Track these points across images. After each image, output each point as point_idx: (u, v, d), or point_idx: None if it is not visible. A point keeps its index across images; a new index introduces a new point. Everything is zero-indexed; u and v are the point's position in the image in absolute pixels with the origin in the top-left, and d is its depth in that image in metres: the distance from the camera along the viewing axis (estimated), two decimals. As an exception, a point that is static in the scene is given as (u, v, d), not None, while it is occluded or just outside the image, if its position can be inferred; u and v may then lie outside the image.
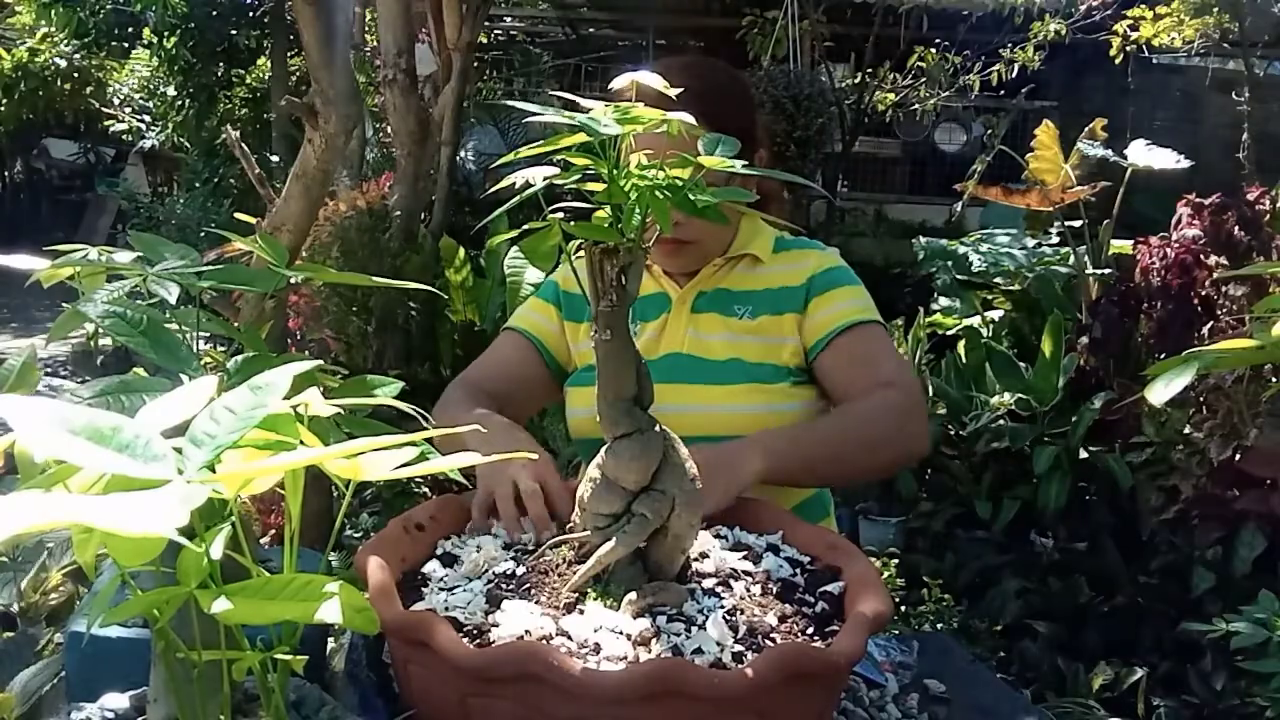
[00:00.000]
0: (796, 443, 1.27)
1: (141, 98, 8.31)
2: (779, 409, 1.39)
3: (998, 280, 4.34)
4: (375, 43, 5.37)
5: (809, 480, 1.39)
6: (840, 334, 1.40)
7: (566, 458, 3.12)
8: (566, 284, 1.55)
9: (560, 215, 0.86)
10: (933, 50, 6.04)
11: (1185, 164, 3.84)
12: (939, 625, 2.69)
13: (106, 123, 8.81)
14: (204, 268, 0.89)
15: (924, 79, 6.15)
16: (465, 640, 0.82)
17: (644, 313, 1.49)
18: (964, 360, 3.67)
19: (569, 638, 0.83)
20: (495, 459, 0.88)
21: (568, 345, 1.53)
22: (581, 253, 0.90)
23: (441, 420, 1.41)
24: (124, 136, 8.88)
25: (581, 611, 0.87)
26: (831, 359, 1.40)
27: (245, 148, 1.64)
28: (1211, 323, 3.07)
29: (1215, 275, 3.09)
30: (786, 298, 1.46)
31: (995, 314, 4.26)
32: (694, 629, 0.85)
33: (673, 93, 0.89)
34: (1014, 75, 5.88)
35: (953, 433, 3.40)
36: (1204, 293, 3.16)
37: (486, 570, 0.96)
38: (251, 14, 7.28)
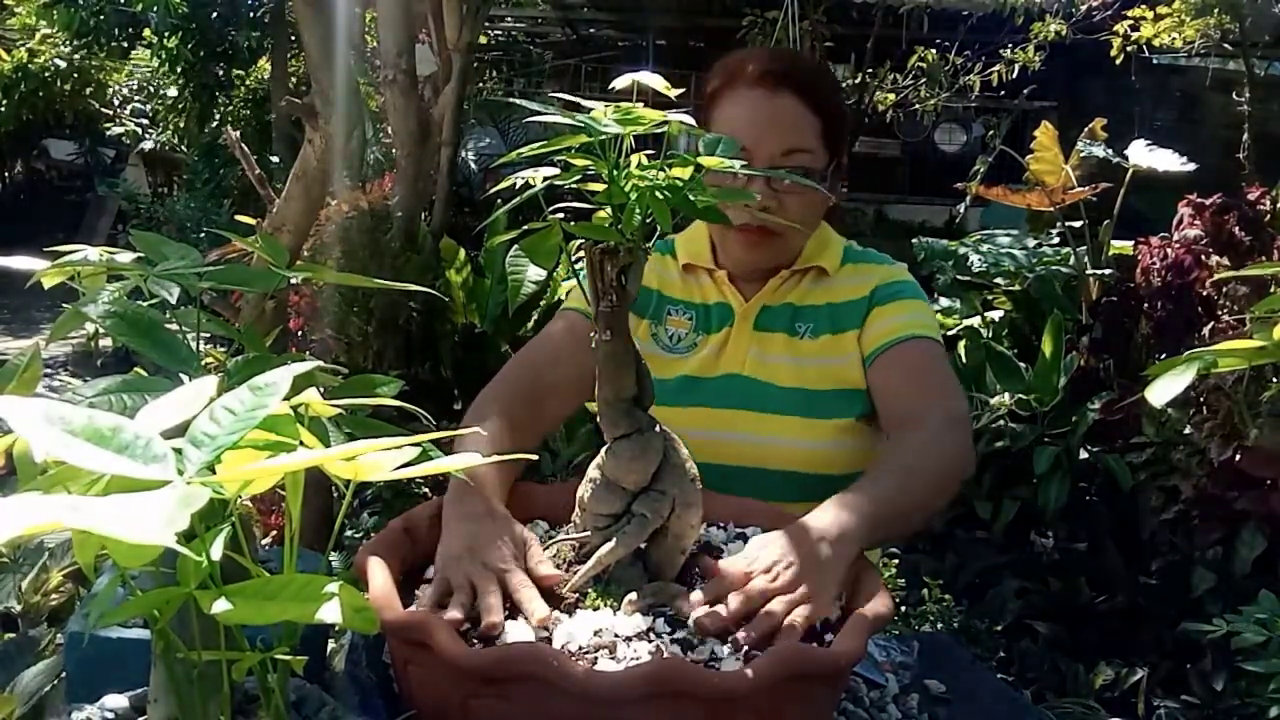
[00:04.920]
0: (874, 521, 1.03)
1: (141, 100, 8.32)
2: (841, 446, 1.33)
3: (998, 280, 4.33)
4: (375, 43, 5.37)
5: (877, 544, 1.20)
6: (896, 345, 1.34)
7: (566, 458, 3.12)
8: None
9: (560, 215, 0.86)
10: (933, 50, 6.05)
11: (1189, 166, 3.83)
12: (939, 625, 2.68)
13: (106, 125, 8.82)
14: (204, 268, 0.89)
15: (924, 79, 6.15)
16: (465, 641, 0.82)
17: (707, 323, 1.42)
18: (964, 360, 3.66)
19: (569, 638, 0.83)
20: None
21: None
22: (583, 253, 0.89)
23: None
24: (122, 138, 8.89)
25: (582, 612, 0.87)
26: (884, 369, 1.34)
27: (245, 148, 1.65)
28: (1212, 323, 3.07)
29: (1216, 275, 3.09)
30: (848, 313, 1.39)
31: (995, 314, 4.25)
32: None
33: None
34: (1014, 75, 5.88)
35: (953, 433, 3.40)
36: (1204, 293, 3.16)
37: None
38: (252, 14, 7.28)
